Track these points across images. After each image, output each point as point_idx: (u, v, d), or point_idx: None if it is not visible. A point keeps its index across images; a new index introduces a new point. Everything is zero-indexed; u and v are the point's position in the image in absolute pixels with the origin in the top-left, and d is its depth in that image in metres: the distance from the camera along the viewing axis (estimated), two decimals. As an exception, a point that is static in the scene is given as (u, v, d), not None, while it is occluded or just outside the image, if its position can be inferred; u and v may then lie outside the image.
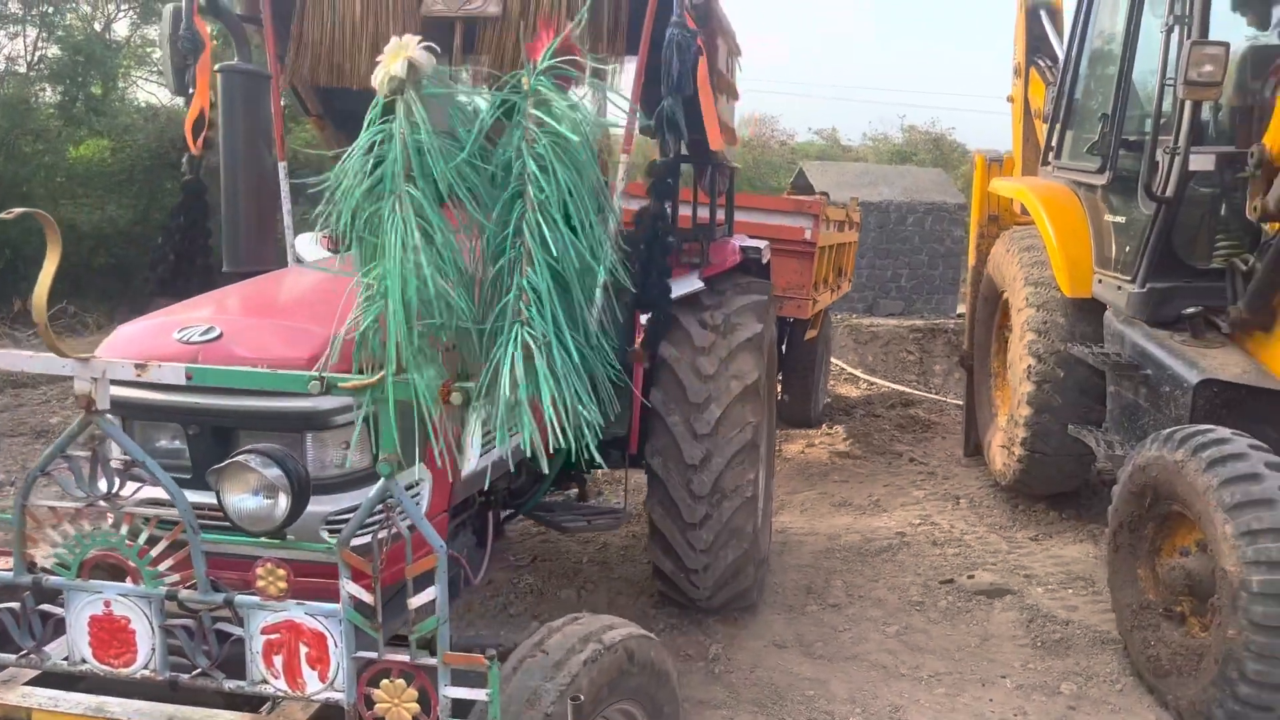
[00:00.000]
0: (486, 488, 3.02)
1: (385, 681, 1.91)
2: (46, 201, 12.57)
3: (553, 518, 3.97)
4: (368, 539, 1.92)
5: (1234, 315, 4.19)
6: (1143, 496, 3.63)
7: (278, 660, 1.97)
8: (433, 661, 1.89)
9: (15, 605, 2.08)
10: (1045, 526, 5.50)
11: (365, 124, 1.94)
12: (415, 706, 1.91)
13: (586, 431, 1.99)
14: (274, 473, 2.03)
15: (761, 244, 4.68)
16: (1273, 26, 4.65)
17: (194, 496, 2.11)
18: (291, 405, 2.29)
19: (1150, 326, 4.47)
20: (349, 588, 1.90)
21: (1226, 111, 4.64)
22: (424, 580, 1.88)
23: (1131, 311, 4.58)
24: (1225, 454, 3.25)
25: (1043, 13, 6.93)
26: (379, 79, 1.92)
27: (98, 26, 14.82)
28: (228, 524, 2.12)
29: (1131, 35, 4.82)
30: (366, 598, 1.90)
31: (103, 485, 2.05)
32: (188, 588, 2.01)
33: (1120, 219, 4.82)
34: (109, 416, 2.04)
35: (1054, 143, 5.75)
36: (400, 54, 1.89)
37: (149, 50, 15.80)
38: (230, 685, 2.01)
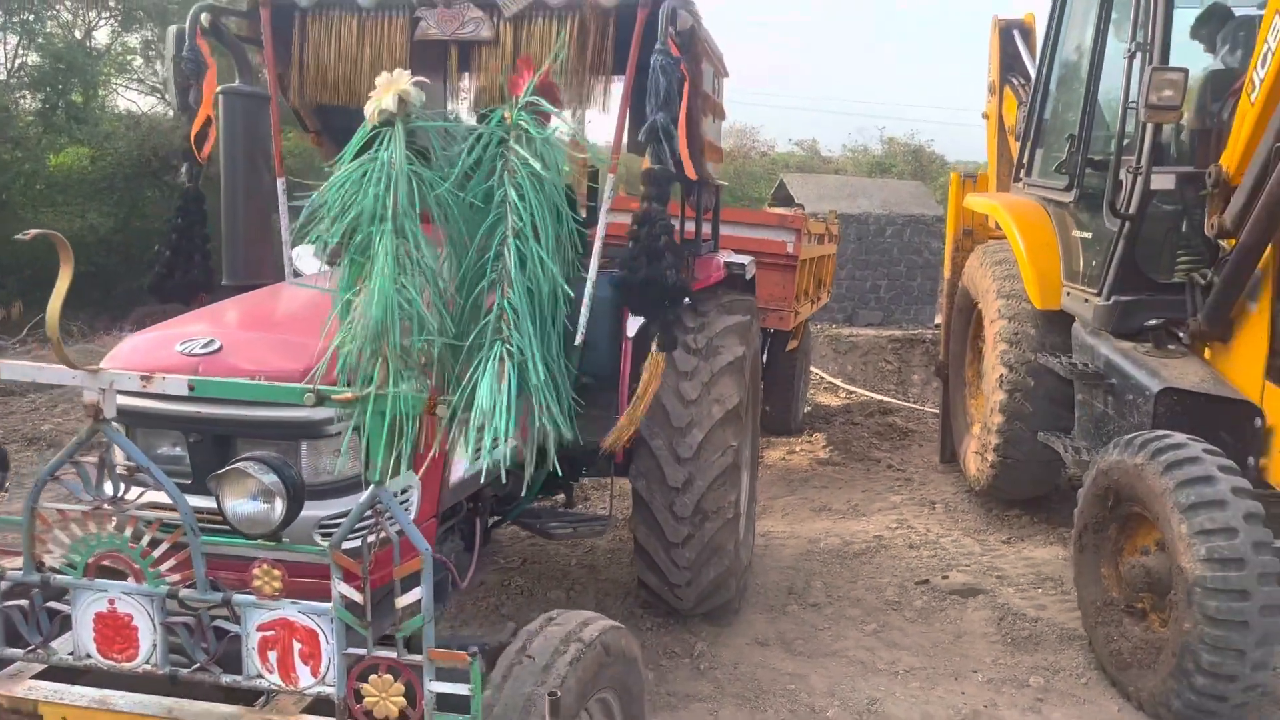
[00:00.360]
0: (474, 493, 3.15)
1: (374, 677, 2.01)
2: (26, 209, 12.56)
3: (539, 524, 4.06)
4: (358, 542, 2.02)
5: (1193, 327, 4.38)
6: (1106, 499, 3.82)
7: (272, 656, 2.07)
8: (418, 658, 1.99)
9: (23, 603, 2.17)
10: (1017, 530, 5.69)
11: (354, 152, 2.07)
12: (402, 700, 2.00)
13: (553, 442, 2.15)
14: (271, 479, 2.13)
15: (746, 260, 4.80)
16: (1222, 52, 4.88)
17: (194, 501, 2.19)
18: (287, 415, 2.38)
19: (1115, 338, 4.67)
20: (340, 588, 2.00)
21: (1187, 133, 4.86)
22: (411, 581, 1.99)
23: (1098, 323, 4.79)
24: (1181, 458, 3.44)
25: (1015, 32, 7.16)
26: (370, 110, 2.06)
27: (78, 34, 14.80)
28: (226, 527, 2.21)
29: (1097, 60, 5.04)
30: (356, 598, 1.99)
31: (109, 489, 2.14)
32: (188, 587, 2.10)
33: (1087, 235, 5.03)
34: (115, 425, 2.14)
35: (1025, 160, 5.98)
36: (392, 88, 2.03)
37: (130, 58, 15.82)
38: (227, 679, 2.10)
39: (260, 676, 2.09)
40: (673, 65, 3.21)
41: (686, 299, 3.57)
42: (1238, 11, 4.88)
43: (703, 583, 3.83)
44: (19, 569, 2.16)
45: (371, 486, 2.02)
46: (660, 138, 3.18)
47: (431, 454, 2.21)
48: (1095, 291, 4.81)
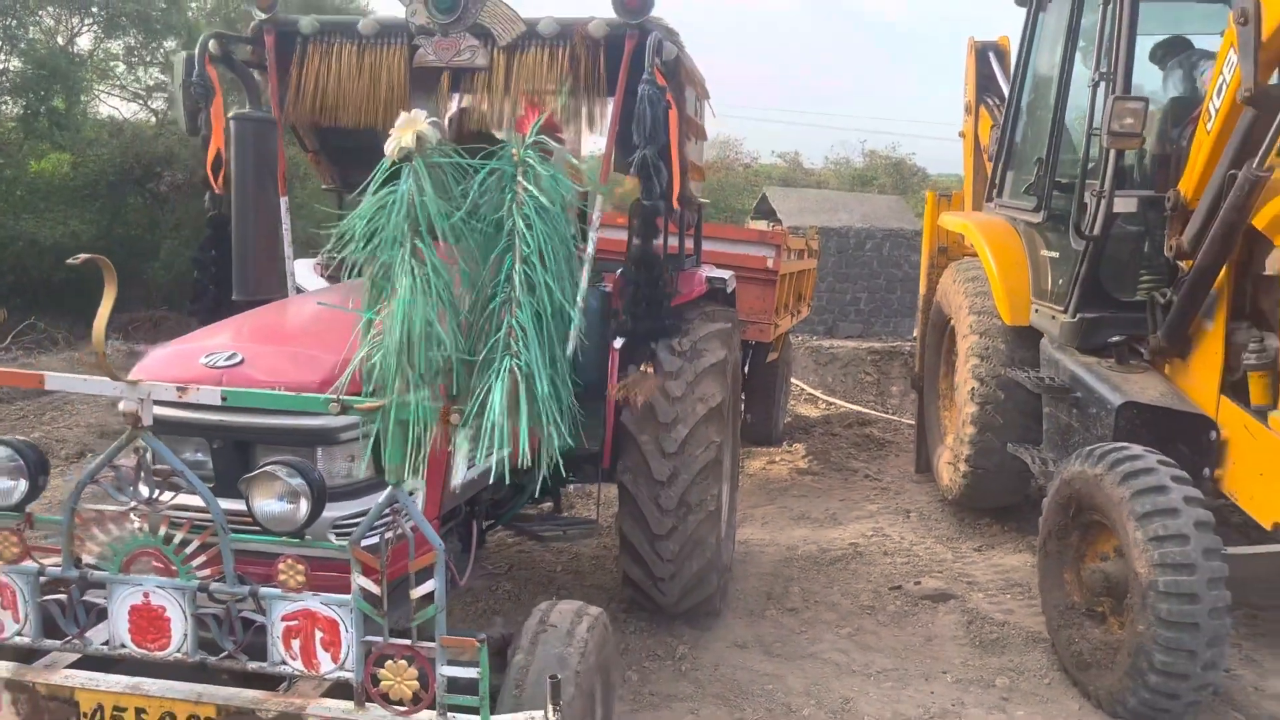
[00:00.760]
0: (471, 497, 3.32)
1: (389, 662, 2.19)
2: (7, 215, 12.54)
3: (530, 527, 4.26)
4: (376, 539, 2.21)
5: (1154, 344, 4.57)
6: (1068, 507, 4.00)
7: (295, 644, 2.25)
8: (431, 645, 2.17)
9: (61, 596, 2.33)
10: (989, 538, 5.88)
11: (374, 186, 2.29)
12: (415, 684, 2.18)
13: (557, 448, 2.38)
14: (297, 481, 2.31)
15: (727, 274, 4.99)
16: (1174, 78, 5.11)
17: (220, 503, 2.36)
18: (305, 423, 2.57)
19: (1080, 353, 4.87)
20: (359, 581, 2.18)
21: (1149, 158, 5.07)
22: (424, 574, 2.17)
23: (1064, 339, 4.98)
24: (1137, 469, 3.63)
25: (991, 54, 7.38)
26: (390, 148, 2.28)
27: (61, 40, 14.80)
28: (250, 527, 2.38)
29: (1063, 87, 5.25)
30: (374, 589, 2.17)
31: (144, 491, 2.31)
32: (217, 581, 2.28)
33: (1054, 254, 5.22)
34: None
35: (996, 181, 6.18)
36: (410, 128, 2.26)
37: (112, 64, 15.83)
38: (253, 666, 2.28)
39: (284, 663, 2.26)
40: (658, 95, 3.40)
41: (665, 337, 3.90)
42: (1196, 41, 5.11)
43: (685, 575, 3.98)
44: (57, 565, 2.32)
45: (390, 487, 2.20)
46: (650, 173, 3.38)
47: (438, 455, 2.43)
48: (1062, 309, 5.00)
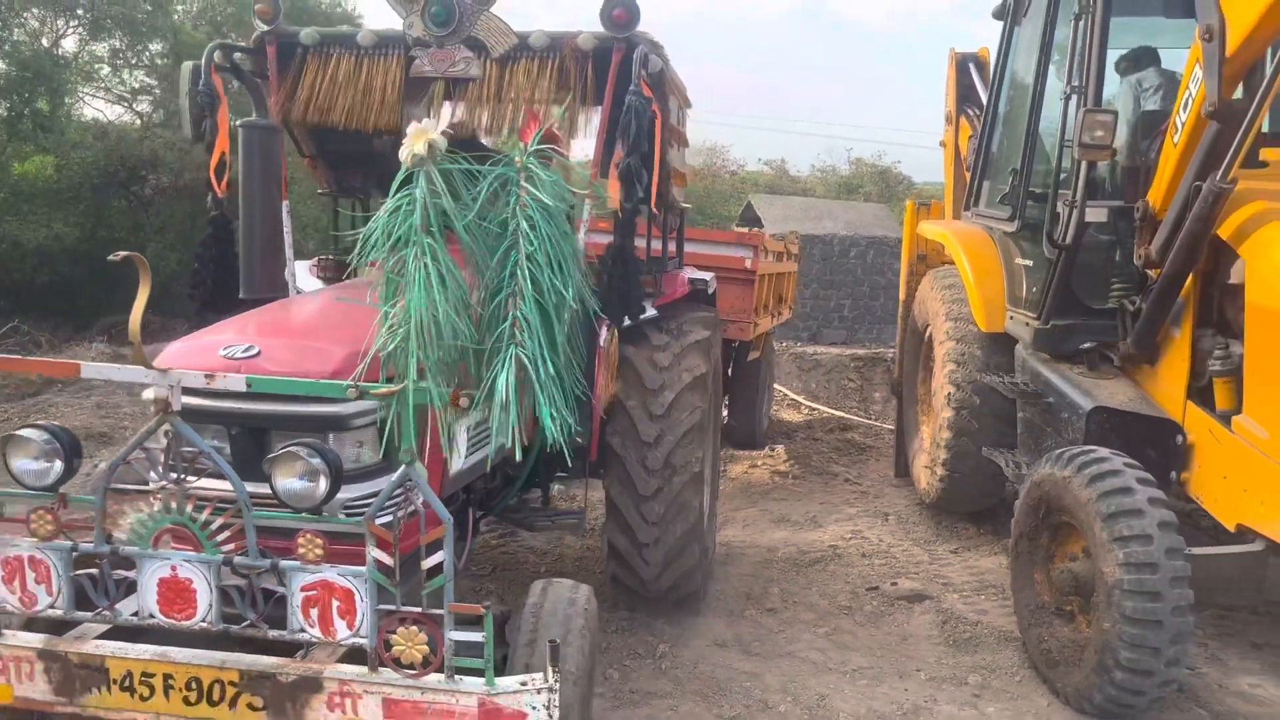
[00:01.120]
0: (466, 485, 3.46)
1: (401, 629, 2.33)
2: (-10, 216, 12.52)
3: (521, 518, 4.39)
4: (389, 516, 2.38)
5: (1123, 350, 4.70)
6: (1038, 509, 4.10)
7: (314, 612, 2.39)
8: (440, 612, 2.32)
9: (93, 571, 2.48)
10: (965, 540, 5.99)
11: (392, 191, 2.50)
12: (425, 649, 2.33)
13: (560, 431, 2.61)
14: (318, 461, 2.50)
15: (708, 275, 5.13)
16: (1137, 91, 5.24)
17: None
18: (319, 410, 2.74)
19: (1053, 359, 4.99)
20: (374, 553, 2.32)
21: (1120, 170, 5.21)
22: (434, 547, 2.31)
23: (1037, 345, 5.09)
24: (1104, 471, 3.73)
25: (971, 65, 7.53)
26: (404, 155, 2.47)
27: (45, 42, 14.77)
28: (270, 505, 2.55)
29: (1037, 99, 5.37)
30: (388, 561, 2.32)
31: (172, 473, 2.46)
32: (240, 555, 2.42)
33: (1028, 263, 5.34)
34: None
35: (974, 190, 6.31)
36: (423, 137, 2.46)
37: (97, 67, 15.81)
38: (273, 634, 2.41)
39: (303, 630, 2.41)
40: (644, 106, 3.53)
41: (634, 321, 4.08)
42: (1163, 53, 5.25)
43: (669, 540, 4.09)
44: (89, 542, 2.46)
45: (403, 467, 2.34)
46: (634, 180, 3.54)
47: (443, 443, 2.66)
48: (1035, 316, 5.11)
